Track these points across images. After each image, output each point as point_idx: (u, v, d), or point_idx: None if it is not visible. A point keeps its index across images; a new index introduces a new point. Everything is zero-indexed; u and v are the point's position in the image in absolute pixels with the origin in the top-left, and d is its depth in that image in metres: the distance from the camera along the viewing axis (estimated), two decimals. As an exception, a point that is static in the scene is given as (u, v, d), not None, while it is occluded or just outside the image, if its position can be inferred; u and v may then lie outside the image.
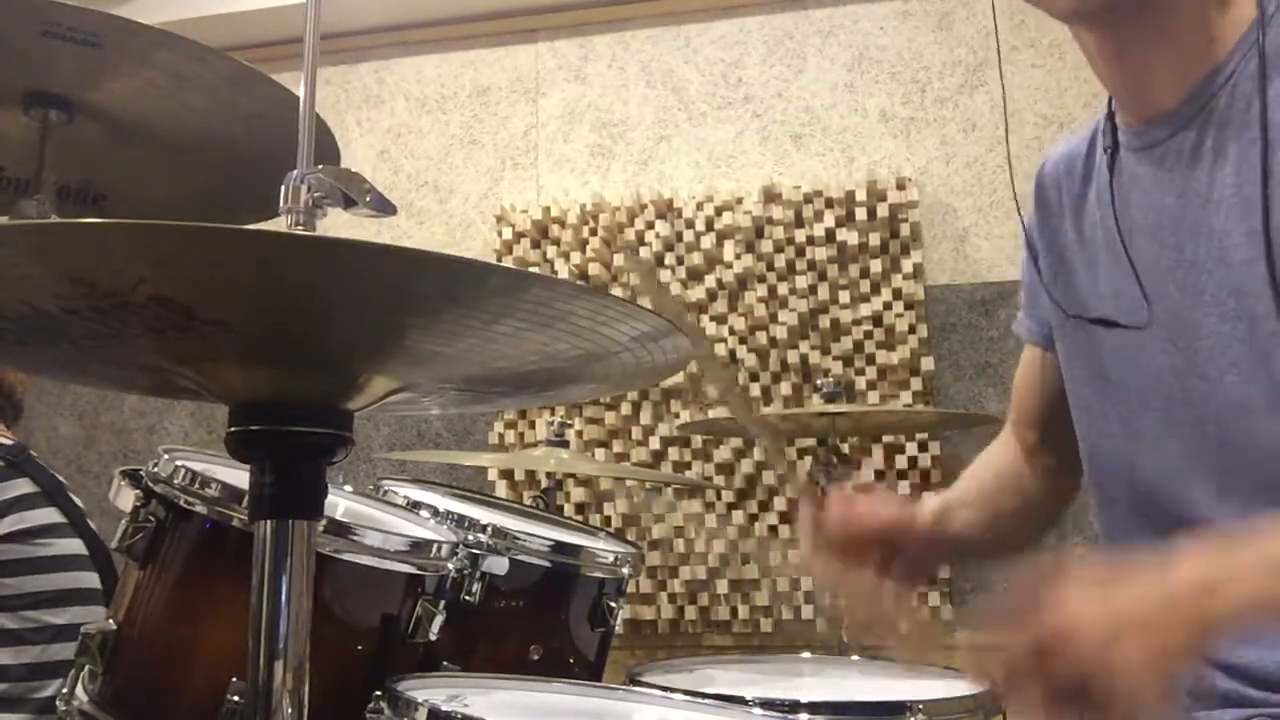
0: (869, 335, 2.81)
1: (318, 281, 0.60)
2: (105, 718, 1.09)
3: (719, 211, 2.93)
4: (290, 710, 0.74)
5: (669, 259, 2.95)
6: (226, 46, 1.21)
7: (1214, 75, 0.93)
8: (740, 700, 1.12)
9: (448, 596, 1.20)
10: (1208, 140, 0.93)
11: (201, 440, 3.18)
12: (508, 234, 3.08)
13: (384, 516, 1.35)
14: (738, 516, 2.81)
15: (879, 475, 2.76)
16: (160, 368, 0.77)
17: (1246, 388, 0.91)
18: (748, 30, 3.09)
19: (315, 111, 0.87)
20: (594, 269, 2.98)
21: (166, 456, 1.15)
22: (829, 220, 2.85)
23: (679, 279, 2.92)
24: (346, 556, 1.10)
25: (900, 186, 2.86)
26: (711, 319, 2.90)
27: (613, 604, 1.42)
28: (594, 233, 3.01)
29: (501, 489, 2.93)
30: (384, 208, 0.80)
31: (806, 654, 1.66)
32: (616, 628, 1.45)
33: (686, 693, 1.15)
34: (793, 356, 2.83)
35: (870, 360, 2.81)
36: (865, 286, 2.83)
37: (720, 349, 2.87)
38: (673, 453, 2.88)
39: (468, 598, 1.24)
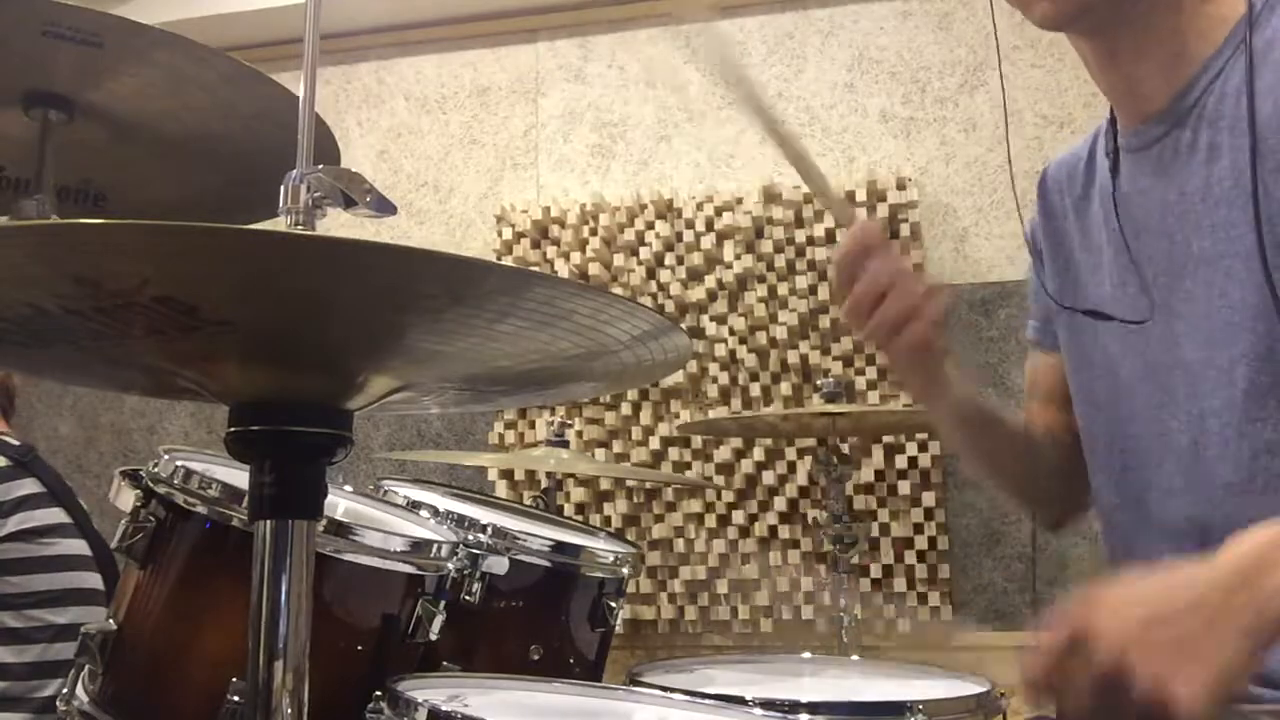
0: (869, 335, 2.80)
1: (320, 281, 0.60)
2: (105, 718, 1.09)
3: (719, 211, 2.93)
4: (290, 710, 0.74)
5: (669, 259, 2.95)
6: (226, 46, 1.20)
7: (1204, 72, 0.94)
8: (740, 700, 1.12)
9: (448, 596, 1.19)
10: (1202, 136, 0.95)
11: (201, 440, 3.18)
12: (508, 234, 3.08)
13: (384, 516, 1.35)
14: (738, 516, 2.81)
15: (879, 475, 2.76)
16: (161, 368, 0.77)
17: (1258, 379, 0.91)
18: (748, 30, 3.09)
19: (315, 111, 0.87)
20: (594, 269, 2.98)
21: (166, 456, 1.15)
22: (829, 220, 2.85)
23: (679, 279, 2.93)
24: (346, 556, 1.10)
25: (900, 186, 2.86)
26: (711, 319, 2.90)
27: (613, 604, 1.42)
28: (594, 233, 3.01)
29: (501, 489, 2.94)
30: (384, 208, 0.80)
31: (806, 654, 1.66)
32: (616, 628, 1.45)
33: (686, 693, 1.15)
34: (793, 356, 2.83)
35: (870, 360, 2.80)
36: (865, 286, 2.83)
37: (720, 349, 2.87)
38: (673, 453, 2.88)
39: (468, 598, 1.24)
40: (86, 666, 1.12)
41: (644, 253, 2.96)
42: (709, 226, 2.93)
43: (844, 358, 2.82)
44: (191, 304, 0.61)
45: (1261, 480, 0.93)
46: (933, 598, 2.70)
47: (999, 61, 1.21)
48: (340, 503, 1.35)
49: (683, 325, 2.87)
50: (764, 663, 1.56)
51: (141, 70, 1.20)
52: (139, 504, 1.15)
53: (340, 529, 1.10)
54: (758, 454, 2.82)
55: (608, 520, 2.86)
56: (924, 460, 2.74)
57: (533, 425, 2.97)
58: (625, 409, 2.92)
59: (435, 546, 1.18)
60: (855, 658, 1.84)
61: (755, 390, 2.85)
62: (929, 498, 2.73)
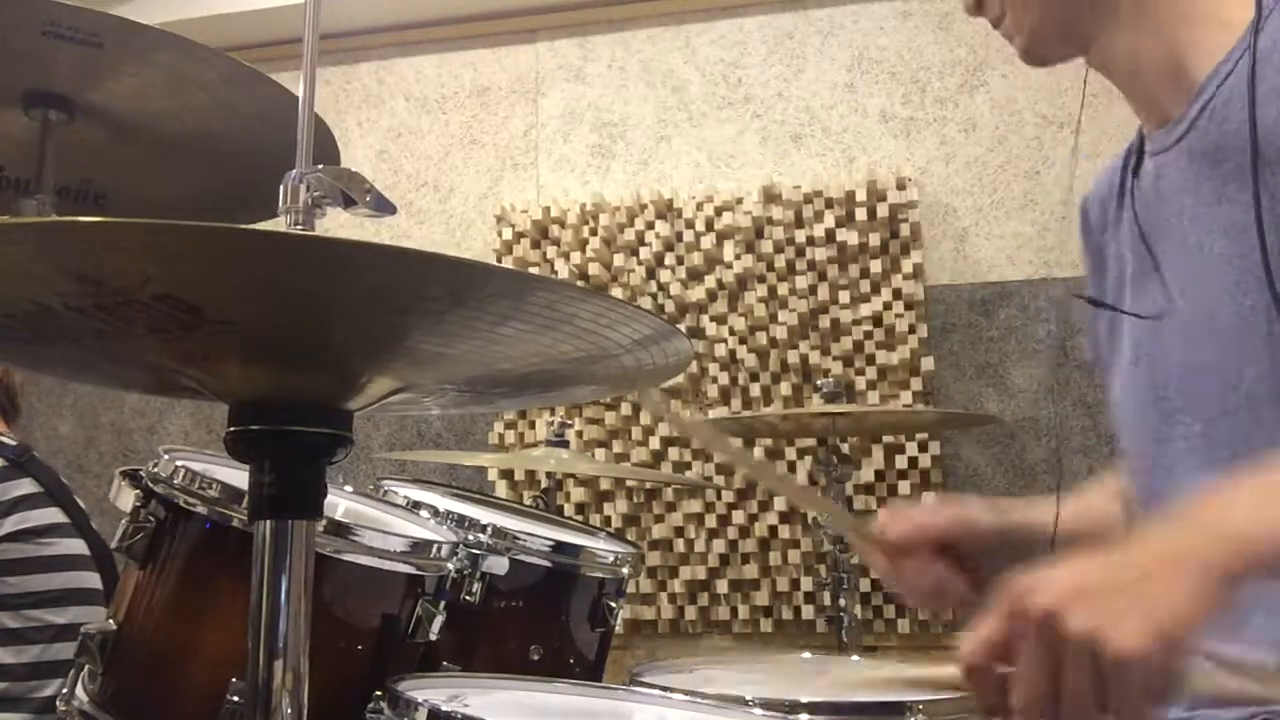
0: (869, 335, 2.81)
1: (321, 282, 0.60)
2: (105, 718, 1.09)
3: (719, 211, 2.93)
4: (290, 710, 0.74)
5: (669, 259, 2.95)
6: (226, 46, 1.21)
7: (1214, 75, 0.95)
8: (740, 700, 1.12)
9: (448, 596, 1.20)
10: (1211, 138, 0.96)
11: (201, 440, 3.18)
12: (508, 234, 3.08)
13: (384, 516, 1.35)
14: (738, 516, 2.81)
15: (879, 475, 2.76)
16: (162, 366, 0.77)
17: (1258, 385, 0.91)
18: (748, 30, 3.09)
19: (315, 112, 0.87)
20: (594, 269, 2.98)
21: (166, 456, 1.15)
22: (829, 220, 2.85)
23: (679, 279, 2.93)
24: (346, 556, 1.10)
25: (900, 186, 2.86)
26: (711, 319, 2.90)
27: (613, 604, 1.42)
28: (594, 233, 3.00)
29: (501, 489, 2.93)
30: (384, 208, 0.80)
31: (806, 654, 1.66)
32: (616, 628, 1.45)
33: (686, 693, 1.15)
34: (793, 356, 2.83)
35: (870, 360, 2.81)
36: (865, 286, 2.83)
37: (720, 349, 2.87)
38: (673, 453, 2.88)
39: (468, 598, 1.24)
40: (86, 666, 1.12)
41: (644, 253, 2.96)
42: (709, 226, 2.93)
43: (844, 358, 2.82)
44: (193, 303, 0.61)
45: None
46: (932, 598, 2.70)
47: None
48: (340, 503, 1.35)
49: (683, 325, 2.87)
50: (764, 663, 1.56)
51: (141, 70, 1.20)
52: (139, 504, 1.15)
53: (340, 529, 1.10)
54: (758, 454, 2.81)
55: (608, 520, 2.86)
56: (924, 460, 2.74)
57: (533, 425, 2.97)
58: (625, 409, 2.91)
59: (435, 546, 1.19)
60: (855, 658, 1.84)
61: (755, 390, 2.85)
62: (929, 498, 2.72)
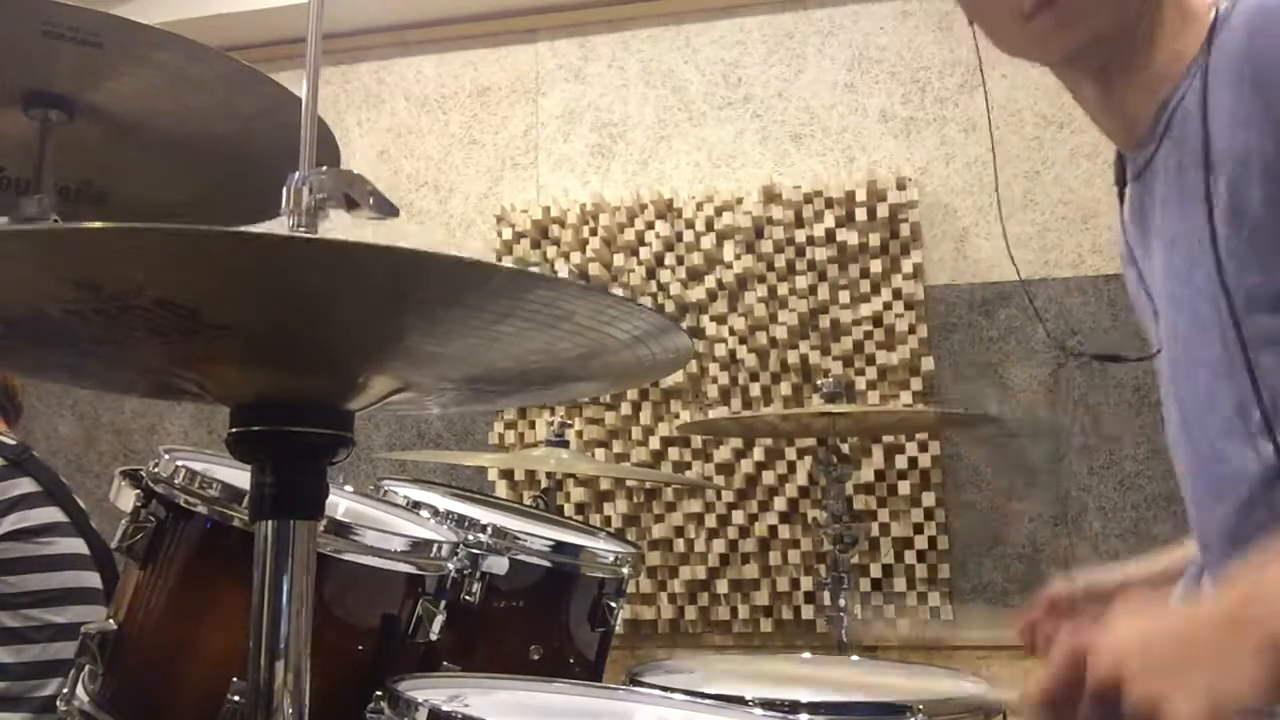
0: (869, 335, 2.81)
1: (322, 283, 0.60)
2: (105, 717, 1.09)
3: (719, 211, 2.93)
4: (290, 710, 0.74)
5: (669, 259, 2.95)
6: (226, 46, 1.20)
7: (1174, 92, 0.95)
8: (740, 700, 1.12)
9: (448, 596, 1.20)
10: (1173, 156, 0.96)
11: (202, 440, 3.18)
12: (508, 234, 3.08)
13: (384, 516, 1.35)
14: (738, 516, 2.81)
15: (879, 475, 2.76)
16: (161, 370, 0.77)
17: (1227, 401, 0.91)
18: (748, 30, 3.09)
19: (316, 114, 0.87)
20: (594, 269, 2.98)
21: (167, 456, 1.15)
22: (829, 220, 2.86)
23: (679, 279, 2.93)
24: (347, 556, 1.10)
25: (900, 186, 2.86)
26: (711, 319, 2.90)
27: (613, 604, 1.42)
28: (594, 233, 3.01)
29: (501, 489, 2.93)
30: (386, 210, 0.80)
31: (806, 654, 1.66)
32: (616, 628, 1.45)
33: (686, 693, 1.15)
34: (793, 356, 2.83)
35: (870, 360, 2.81)
36: (865, 286, 2.84)
37: (720, 349, 2.87)
38: (673, 453, 2.88)
39: (468, 598, 1.24)
40: (86, 666, 1.12)
41: (644, 253, 2.96)
42: (709, 226, 2.93)
43: (844, 358, 2.82)
44: (191, 306, 0.61)
45: (1232, 500, 0.94)
46: (933, 598, 2.70)
47: (983, 81, 1.21)
48: (340, 503, 1.35)
49: (683, 325, 2.87)
50: (764, 663, 1.56)
51: (141, 70, 1.20)
52: (139, 504, 1.15)
53: (341, 529, 1.10)
54: (758, 454, 2.82)
55: (608, 520, 2.86)
56: (924, 460, 2.74)
57: (533, 425, 2.97)
58: (625, 409, 2.92)
59: (435, 546, 1.19)
60: (855, 658, 1.84)
61: (755, 390, 2.85)
62: (929, 498, 2.73)
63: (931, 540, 2.72)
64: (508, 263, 3.00)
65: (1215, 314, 0.91)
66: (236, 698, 1.02)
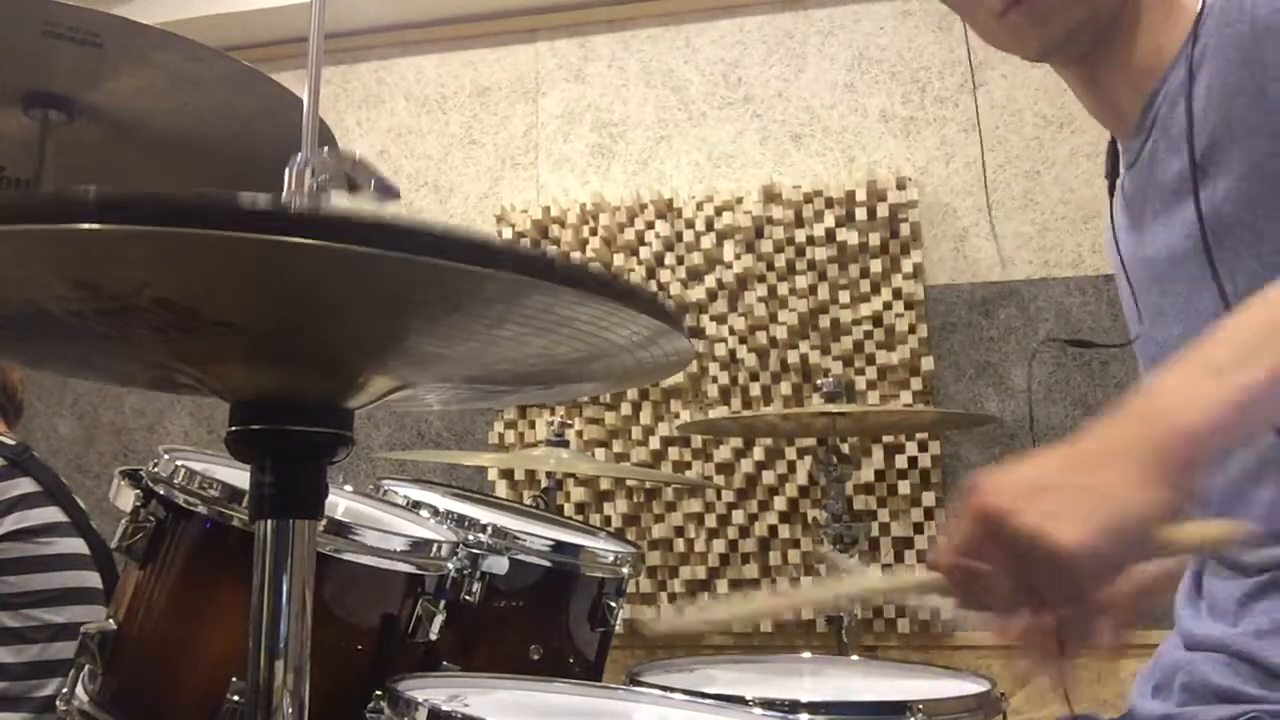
0: (869, 335, 2.81)
1: (321, 282, 0.60)
2: (105, 717, 1.09)
3: (719, 211, 2.93)
4: (290, 710, 0.74)
5: (669, 259, 2.95)
6: (226, 46, 1.21)
7: (1162, 83, 0.95)
8: (740, 700, 1.12)
9: (448, 596, 1.20)
10: (1160, 146, 0.96)
11: (202, 440, 3.18)
12: (508, 234, 3.08)
13: (384, 516, 1.35)
14: (738, 516, 2.81)
15: (879, 475, 2.76)
16: (162, 365, 0.77)
17: None
18: (748, 30, 3.09)
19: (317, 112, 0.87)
20: (595, 268, 2.97)
21: (166, 456, 1.15)
22: (829, 220, 2.85)
23: (679, 279, 2.93)
24: (347, 556, 1.10)
25: (900, 186, 2.86)
26: (711, 319, 2.90)
27: (613, 604, 1.42)
28: (594, 233, 3.01)
29: (501, 489, 2.93)
30: (388, 193, 0.80)
31: (806, 654, 1.66)
32: (616, 628, 1.45)
33: (686, 693, 1.15)
34: (793, 356, 2.83)
35: (870, 360, 2.81)
36: (865, 286, 2.84)
37: (720, 349, 2.87)
38: (673, 453, 2.88)
39: (468, 598, 1.24)
40: (86, 666, 1.12)
41: (644, 253, 2.96)
42: (709, 226, 2.93)
43: (844, 358, 2.82)
44: (191, 305, 0.61)
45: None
46: (933, 597, 2.70)
47: (974, 89, 1.21)
48: (340, 503, 1.35)
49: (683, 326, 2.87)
50: (764, 663, 1.56)
51: (141, 70, 1.20)
52: (139, 504, 1.15)
53: (340, 529, 1.10)
54: (758, 454, 2.82)
55: (608, 520, 2.86)
56: (924, 460, 2.74)
57: (533, 425, 2.97)
58: (625, 409, 2.92)
59: (435, 546, 1.19)
60: (855, 658, 1.84)
61: (755, 390, 2.85)
62: (929, 498, 2.73)
63: (932, 540, 2.72)
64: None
65: (1208, 301, 0.91)
66: (236, 698, 1.02)
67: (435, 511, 1.35)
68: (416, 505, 1.39)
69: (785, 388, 2.83)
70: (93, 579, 1.83)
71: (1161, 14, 0.96)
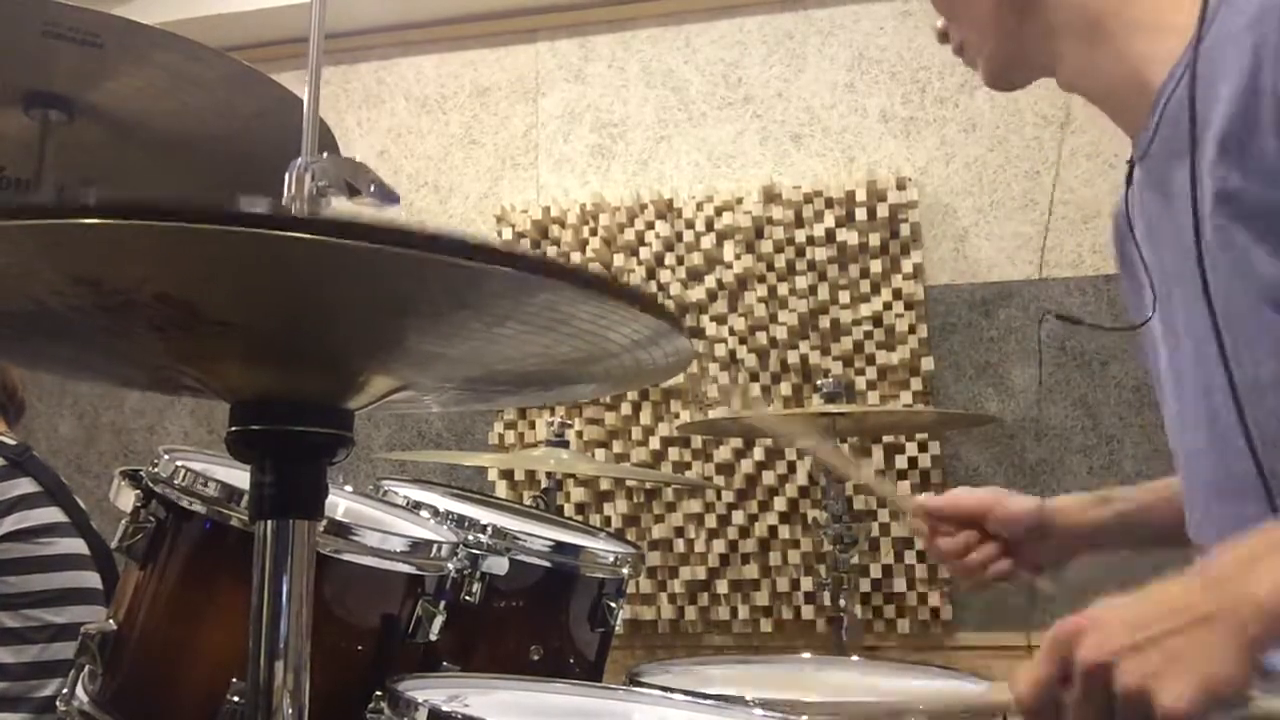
0: (869, 335, 2.81)
1: (322, 280, 0.60)
2: (105, 718, 1.09)
3: (719, 211, 2.93)
4: (290, 710, 0.74)
5: (669, 259, 2.95)
6: (226, 46, 1.21)
7: (1169, 79, 0.96)
8: (740, 700, 1.12)
9: (448, 596, 1.20)
10: (1168, 143, 0.96)
11: (202, 440, 3.18)
12: (508, 234, 3.08)
13: (384, 516, 1.35)
14: (738, 516, 2.81)
15: (879, 475, 2.76)
16: (161, 365, 0.77)
17: (1211, 375, 0.91)
18: (748, 30, 3.09)
19: (317, 113, 0.87)
20: (594, 269, 2.97)
21: (167, 456, 1.15)
22: (829, 220, 2.85)
23: (679, 279, 2.93)
24: (347, 556, 1.10)
25: (900, 186, 2.86)
26: (711, 319, 2.90)
27: (613, 604, 1.42)
28: (594, 233, 3.01)
29: (501, 489, 2.93)
30: (387, 197, 0.80)
31: (806, 654, 1.66)
32: (616, 628, 1.45)
33: (686, 693, 1.15)
34: (793, 356, 2.83)
35: (870, 360, 2.81)
36: (865, 286, 2.83)
37: (720, 349, 2.87)
38: (673, 453, 2.88)
39: (468, 598, 1.24)
40: (86, 666, 1.12)
41: (644, 253, 2.96)
42: (709, 226, 2.93)
43: (844, 358, 2.82)
44: (192, 302, 0.61)
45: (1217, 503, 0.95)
46: (933, 598, 2.70)
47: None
48: (340, 503, 1.35)
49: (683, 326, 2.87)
50: (764, 663, 1.56)
51: (141, 70, 1.20)
52: (139, 504, 1.15)
53: (340, 529, 1.10)
54: (758, 454, 2.82)
55: (608, 520, 2.86)
56: (924, 460, 2.74)
57: (533, 425, 2.97)
58: (625, 409, 2.91)
59: (435, 547, 1.19)
60: (855, 658, 1.84)
61: (755, 390, 2.85)
62: (928, 497, 2.72)
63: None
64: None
65: (1203, 312, 0.91)
66: (236, 698, 1.02)
67: (435, 512, 1.35)
68: (416, 506, 1.39)
69: (785, 388, 2.83)
70: (93, 579, 1.83)
71: (1144, 21, 0.97)
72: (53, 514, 1.81)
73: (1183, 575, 0.75)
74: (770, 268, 2.88)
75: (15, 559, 1.75)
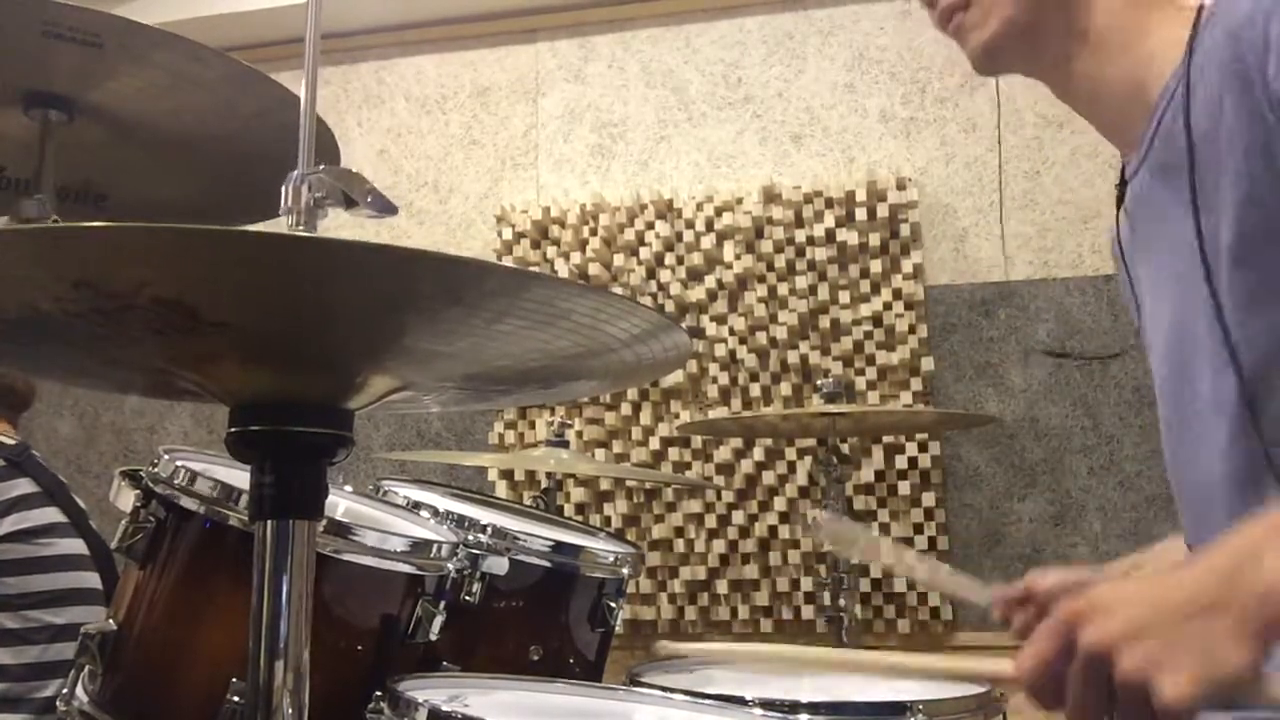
0: (869, 335, 2.81)
1: (320, 282, 0.60)
2: (105, 718, 1.09)
3: (719, 211, 2.93)
4: (290, 710, 0.74)
5: (669, 259, 2.95)
6: (226, 46, 1.21)
7: (1163, 94, 0.95)
8: (740, 700, 1.12)
9: (448, 597, 1.20)
10: (1162, 159, 0.95)
11: (202, 440, 3.18)
12: (508, 234, 3.08)
13: (384, 516, 1.35)
14: (738, 516, 2.81)
15: (879, 475, 2.76)
16: (161, 369, 0.77)
17: (1214, 393, 0.91)
18: (748, 30, 3.09)
19: (316, 112, 0.86)
20: (594, 269, 2.98)
21: (167, 457, 1.15)
22: (829, 220, 2.86)
23: (679, 279, 2.93)
24: (346, 556, 1.10)
25: (900, 186, 2.86)
26: (711, 319, 2.90)
27: (613, 604, 1.42)
28: (594, 233, 3.01)
29: (501, 489, 2.93)
30: (385, 208, 0.80)
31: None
32: (616, 628, 1.45)
33: (686, 693, 1.15)
34: (793, 356, 2.83)
35: (870, 360, 2.81)
36: (865, 286, 2.84)
37: (720, 349, 2.87)
38: (673, 453, 2.88)
39: (468, 598, 1.24)
40: (86, 667, 1.12)
41: (644, 253, 2.96)
42: (709, 226, 2.93)
43: (844, 358, 2.82)
44: (190, 305, 0.61)
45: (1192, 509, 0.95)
46: (933, 597, 2.70)
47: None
48: (340, 503, 1.35)
49: (682, 325, 2.87)
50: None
51: (141, 70, 1.20)
52: (139, 504, 1.15)
53: (340, 529, 1.10)
54: (758, 454, 2.82)
55: (608, 520, 2.86)
56: (924, 460, 2.74)
57: (533, 425, 2.97)
58: (625, 409, 2.92)
59: (435, 547, 1.19)
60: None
61: (755, 390, 2.85)
62: (929, 498, 2.73)
63: (931, 540, 2.72)
64: (508, 262, 3.00)
65: (1207, 327, 0.91)
66: (236, 698, 1.02)
67: (435, 512, 1.35)
68: (416, 506, 1.39)
69: (785, 388, 2.83)
70: (93, 579, 1.83)
71: (1149, 19, 0.96)
72: (52, 514, 1.81)
73: (1187, 563, 0.75)
74: (770, 268, 2.88)
75: (15, 560, 1.75)
